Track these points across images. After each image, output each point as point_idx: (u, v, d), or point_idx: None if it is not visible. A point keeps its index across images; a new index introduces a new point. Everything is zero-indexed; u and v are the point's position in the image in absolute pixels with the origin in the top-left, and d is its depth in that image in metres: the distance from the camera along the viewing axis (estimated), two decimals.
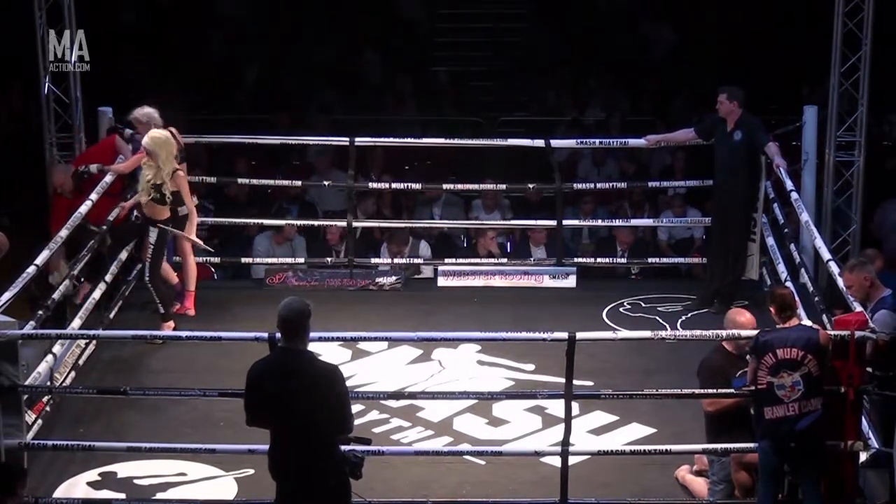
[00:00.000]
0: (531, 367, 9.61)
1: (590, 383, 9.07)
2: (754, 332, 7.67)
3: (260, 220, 12.03)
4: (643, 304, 10.69)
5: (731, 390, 7.80)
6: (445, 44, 16.26)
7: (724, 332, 7.89)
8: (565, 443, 7.85)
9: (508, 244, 12.38)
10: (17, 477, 7.08)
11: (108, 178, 10.34)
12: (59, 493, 8.01)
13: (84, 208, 9.86)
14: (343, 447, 6.61)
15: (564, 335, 7.72)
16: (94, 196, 10.08)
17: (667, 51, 16.14)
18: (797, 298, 8.19)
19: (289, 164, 13.81)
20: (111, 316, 10.26)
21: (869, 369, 7.83)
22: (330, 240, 11.86)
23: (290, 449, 6.58)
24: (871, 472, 7.99)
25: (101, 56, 11.09)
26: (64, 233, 9.49)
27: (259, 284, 11.40)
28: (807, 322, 8.63)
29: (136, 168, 10.18)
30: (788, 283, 9.96)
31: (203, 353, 9.35)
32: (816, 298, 9.27)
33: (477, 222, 12.39)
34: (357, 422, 8.61)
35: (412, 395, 8.88)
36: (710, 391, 7.88)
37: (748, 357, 7.68)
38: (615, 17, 16.18)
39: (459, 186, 12.37)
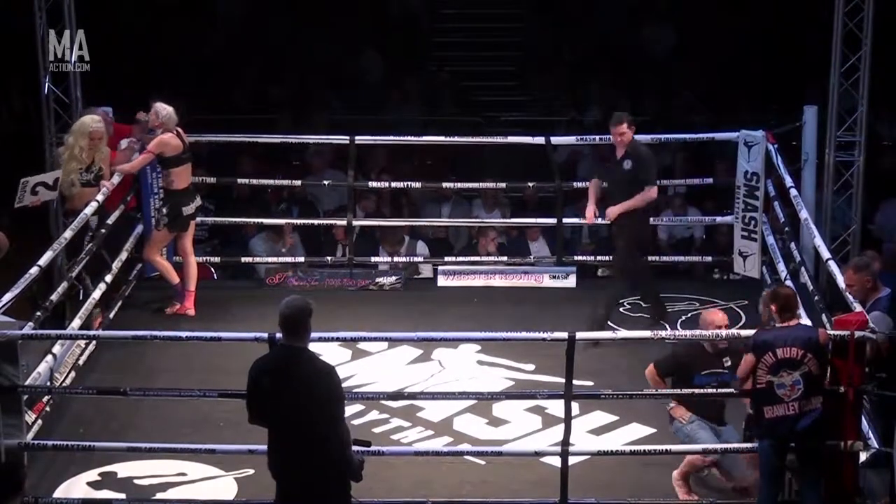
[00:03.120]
0: (531, 367, 9.61)
1: (590, 383, 9.07)
2: (751, 332, 7.68)
3: (260, 220, 12.04)
4: (643, 304, 10.67)
5: (730, 390, 7.85)
6: (445, 44, 16.26)
7: (723, 332, 7.89)
8: (565, 443, 7.85)
9: (508, 243, 12.37)
10: (14, 480, 7.07)
11: (116, 179, 10.35)
12: (59, 493, 8.01)
13: (90, 209, 9.88)
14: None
15: (564, 335, 7.72)
16: (99, 197, 10.10)
17: (667, 51, 16.14)
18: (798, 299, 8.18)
19: (289, 164, 13.82)
20: (111, 316, 10.27)
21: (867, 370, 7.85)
22: (336, 234, 11.89)
23: (286, 447, 6.58)
24: (871, 472, 7.99)
25: (101, 56, 11.08)
26: (68, 233, 9.50)
27: (259, 284, 11.41)
28: (806, 321, 8.67)
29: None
30: (788, 282, 9.98)
31: (203, 353, 9.35)
32: (816, 298, 9.28)
33: (478, 221, 12.39)
34: (357, 422, 8.68)
35: (412, 396, 8.88)
36: (710, 391, 7.94)
37: (744, 354, 7.68)
38: (615, 17, 16.18)
39: (459, 185, 12.37)
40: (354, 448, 6.71)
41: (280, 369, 6.59)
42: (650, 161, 9.97)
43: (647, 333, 8.09)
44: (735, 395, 7.80)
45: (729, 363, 7.99)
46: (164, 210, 10.45)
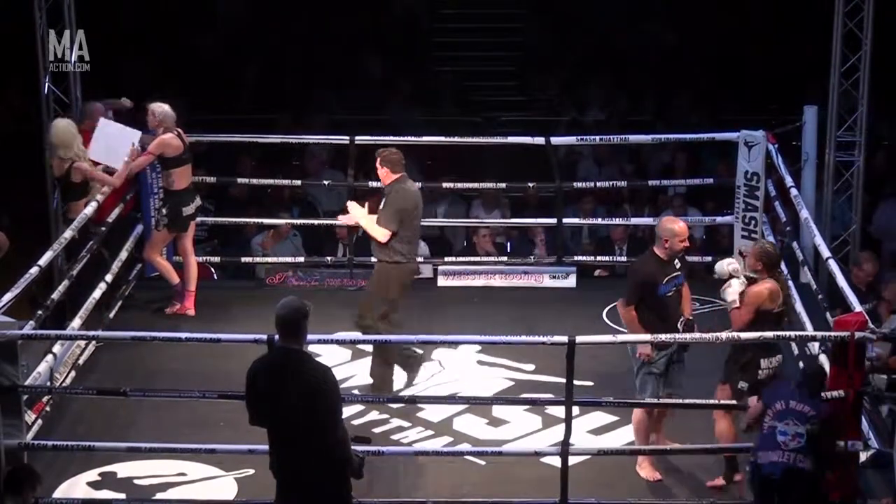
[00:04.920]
0: (531, 367, 9.61)
1: (590, 384, 9.07)
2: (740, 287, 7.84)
3: (260, 220, 12.04)
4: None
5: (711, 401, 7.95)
6: (445, 44, 16.26)
7: (723, 335, 7.88)
8: (565, 443, 7.84)
9: (509, 244, 12.37)
10: (26, 480, 7.07)
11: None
12: (59, 493, 8.01)
13: (90, 209, 9.88)
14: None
15: (564, 339, 7.71)
16: (99, 197, 10.11)
17: (667, 51, 16.14)
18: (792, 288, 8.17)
19: (289, 165, 13.82)
20: (111, 316, 10.27)
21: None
22: (338, 233, 11.90)
23: (283, 448, 6.59)
24: (871, 472, 8.00)
25: (101, 56, 11.08)
26: (68, 234, 9.50)
27: (259, 284, 11.41)
28: (806, 321, 8.69)
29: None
30: (788, 283, 9.98)
31: (203, 353, 9.34)
32: (819, 297, 9.28)
33: (474, 221, 12.39)
34: (357, 422, 8.69)
35: (412, 400, 8.84)
36: (685, 402, 8.07)
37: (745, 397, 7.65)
38: (615, 17, 16.18)
39: (460, 185, 12.37)
40: (355, 447, 6.71)
41: (275, 370, 6.59)
42: (393, 205, 9.15)
43: (647, 337, 8.06)
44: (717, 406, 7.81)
45: (679, 265, 8.23)
46: (164, 210, 10.45)
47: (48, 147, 10.07)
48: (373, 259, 11.53)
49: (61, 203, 10.35)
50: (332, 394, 6.56)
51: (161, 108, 10.29)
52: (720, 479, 8.12)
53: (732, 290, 7.98)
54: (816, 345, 9.06)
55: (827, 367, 7.84)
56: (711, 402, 8.02)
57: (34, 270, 8.69)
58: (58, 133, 10.01)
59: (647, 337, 8.00)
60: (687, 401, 8.10)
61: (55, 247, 9.24)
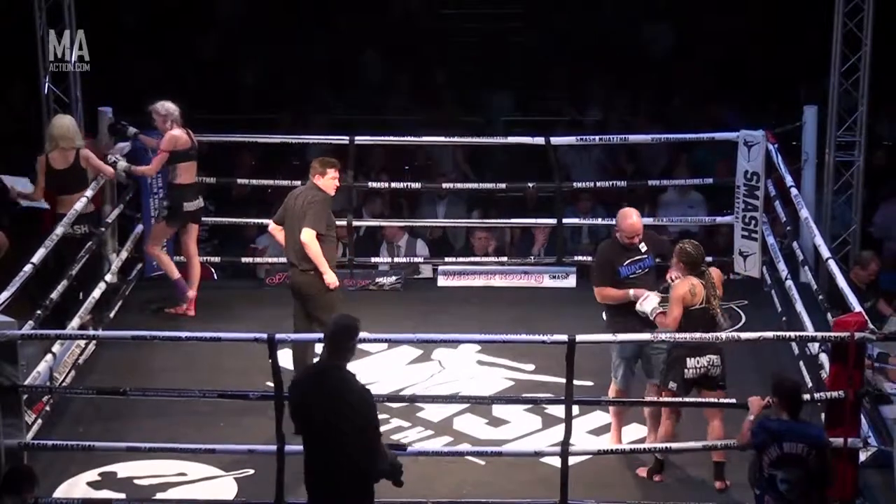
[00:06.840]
0: (531, 367, 9.61)
1: (590, 383, 9.07)
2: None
3: (260, 220, 12.03)
4: None
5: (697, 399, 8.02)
6: (445, 44, 16.25)
7: (723, 335, 7.89)
8: (565, 443, 7.84)
9: (507, 246, 12.37)
10: (25, 480, 7.08)
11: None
12: (59, 493, 8.01)
13: (80, 205, 9.87)
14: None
15: (564, 338, 7.72)
16: (88, 193, 10.10)
17: (667, 51, 16.14)
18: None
19: (289, 165, 13.82)
20: (111, 316, 10.26)
21: None
22: (338, 233, 11.87)
23: (312, 461, 6.66)
24: (871, 472, 8.00)
25: (101, 56, 11.08)
26: (60, 230, 9.50)
27: (259, 284, 11.41)
28: (807, 321, 8.66)
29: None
30: (789, 282, 9.99)
31: (203, 353, 9.35)
32: (820, 297, 9.28)
33: (477, 221, 12.38)
34: None
35: (412, 399, 8.84)
36: (695, 400, 8.06)
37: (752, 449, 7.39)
38: (615, 17, 16.18)
39: (459, 185, 12.37)
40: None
41: (310, 384, 6.69)
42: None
43: (647, 336, 8.06)
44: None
45: (645, 248, 8.38)
46: (165, 203, 10.47)
47: (48, 141, 10.09)
48: (373, 259, 11.66)
49: (56, 196, 10.29)
50: (363, 410, 6.57)
51: (164, 106, 10.29)
52: (645, 470, 8.25)
53: (650, 301, 8.15)
54: (816, 345, 9.07)
55: (827, 366, 7.86)
56: (702, 400, 8.01)
57: (28, 268, 8.69)
58: (60, 126, 10.12)
59: (648, 336, 8.02)
60: (678, 399, 8.08)
61: (47, 243, 9.22)
